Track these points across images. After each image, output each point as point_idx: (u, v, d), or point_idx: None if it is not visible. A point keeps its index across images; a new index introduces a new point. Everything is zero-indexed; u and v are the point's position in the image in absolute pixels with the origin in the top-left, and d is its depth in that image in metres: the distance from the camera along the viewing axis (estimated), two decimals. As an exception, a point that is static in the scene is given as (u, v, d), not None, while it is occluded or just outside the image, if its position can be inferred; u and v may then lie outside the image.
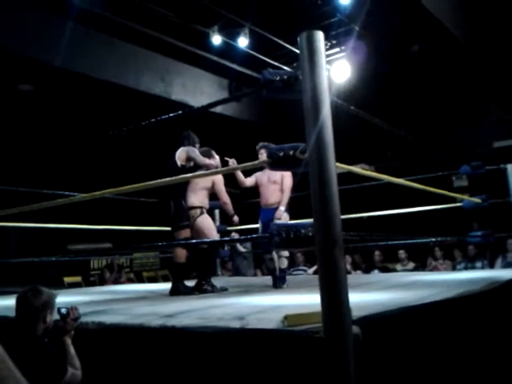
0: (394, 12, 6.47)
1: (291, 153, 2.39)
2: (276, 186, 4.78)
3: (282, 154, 2.42)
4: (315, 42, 2.09)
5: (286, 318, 2.18)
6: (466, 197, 5.69)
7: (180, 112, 3.17)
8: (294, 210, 4.87)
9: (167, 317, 2.59)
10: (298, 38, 2.12)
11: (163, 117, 3.14)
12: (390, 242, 7.01)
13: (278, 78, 2.40)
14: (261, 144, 4.78)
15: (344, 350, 1.83)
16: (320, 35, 2.10)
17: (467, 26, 7.62)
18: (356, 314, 2.11)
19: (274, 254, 4.81)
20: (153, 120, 3.22)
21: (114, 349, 2.72)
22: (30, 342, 2.29)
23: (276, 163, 2.46)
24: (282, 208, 4.70)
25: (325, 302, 1.88)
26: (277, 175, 4.73)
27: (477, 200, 5.49)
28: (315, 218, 1.97)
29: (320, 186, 1.96)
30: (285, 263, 4.79)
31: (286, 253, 4.75)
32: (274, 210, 4.73)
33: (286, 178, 4.76)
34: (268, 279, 5.73)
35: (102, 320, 2.77)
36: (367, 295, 3.24)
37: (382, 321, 2.18)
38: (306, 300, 2.94)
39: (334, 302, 1.86)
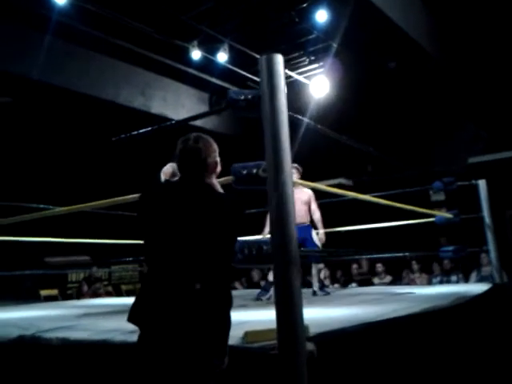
0: (368, 30, 6.61)
1: (254, 171, 2.43)
2: (306, 206, 5.11)
3: (245, 171, 2.46)
4: (275, 64, 2.14)
5: (245, 334, 2.21)
6: (437, 212, 5.78)
7: (156, 126, 3.19)
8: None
9: (130, 333, 2.58)
10: (258, 61, 2.18)
11: (141, 131, 3.15)
12: (364, 256, 7.07)
13: (242, 98, 2.45)
14: (295, 164, 5.00)
15: (297, 367, 1.86)
16: (279, 58, 2.16)
17: (440, 44, 7.80)
18: (314, 330, 2.15)
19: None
20: (131, 133, 3.22)
21: (78, 366, 2.72)
22: (210, 195, 2.03)
23: (239, 181, 2.50)
24: (322, 231, 5.14)
25: (279, 320, 1.91)
26: (305, 196, 5.09)
27: (449, 215, 5.59)
28: (272, 236, 2.01)
29: (277, 205, 2.01)
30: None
31: None
32: (304, 228, 4.98)
33: (314, 199, 5.18)
34: (246, 293, 5.77)
35: (67, 336, 2.76)
36: (334, 310, 3.27)
37: (338, 337, 2.21)
38: (273, 316, 2.96)
39: (289, 319, 1.90)
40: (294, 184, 4.92)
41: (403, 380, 2.54)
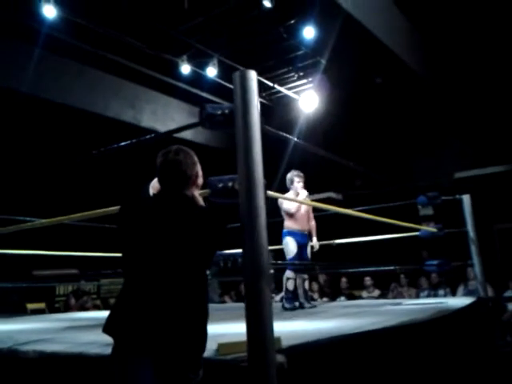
0: (354, 47, 6.71)
1: (230, 184, 2.46)
2: (307, 215, 5.20)
3: (221, 185, 2.49)
4: (248, 80, 2.19)
5: (218, 346, 2.22)
6: (421, 226, 5.81)
7: (135, 140, 3.20)
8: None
9: (107, 345, 2.59)
10: (233, 76, 2.22)
11: (122, 143, 3.15)
12: (350, 270, 7.09)
13: (219, 112, 2.48)
14: (300, 173, 5.16)
15: (267, 378, 1.87)
16: (253, 74, 2.20)
17: (427, 61, 7.92)
18: (286, 343, 2.17)
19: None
20: (115, 145, 3.22)
21: (54, 378, 2.72)
22: (190, 208, 2.04)
23: (215, 194, 2.52)
24: (315, 239, 5.31)
25: (249, 332, 1.93)
26: (307, 206, 5.14)
27: (433, 229, 5.64)
28: (244, 249, 2.04)
29: (248, 219, 2.04)
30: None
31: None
32: (306, 235, 5.13)
33: (311, 208, 5.27)
34: (235, 306, 5.77)
35: (44, 349, 2.76)
36: (313, 323, 3.29)
37: (310, 350, 2.23)
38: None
39: (258, 331, 1.91)
40: (298, 194, 5.06)
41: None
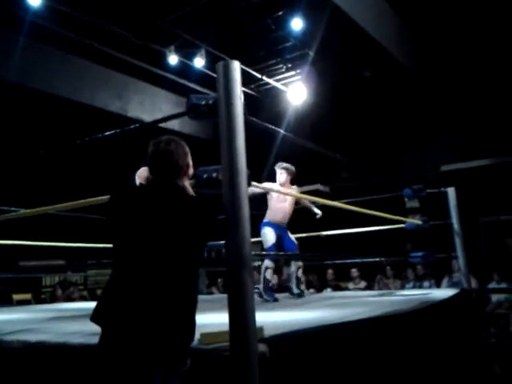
0: (342, 39, 6.71)
1: (214, 175, 2.46)
2: (292, 206, 5.15)
3: (205, 175, 2.49)
4: (231, 70, 2.19)
5: (201, 336, 2.23)
6: (406, 218, 5.86)
7: (119, 130, 3.18)
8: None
9: (90, 335, 2.59)
10: (216, 66, 2.22)
11: (107, 133, 3.13)
12: (337, 261, 7.14)
13: (203, 103, 2.48)
14: (284, 165, 5.09)
15: (249, 367, 1.89)
16: (236, 64, 2.20)
17: (415, 55, 7.94)
18: (269, 332, 2.19)
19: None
20: (99, 135, 3.20)
21: (38, 368, 2.71)
22: (182, 198, 2.05)
23: (200, 185, 2.53)
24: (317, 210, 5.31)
25: (232, 322, 1.95)
26: (293, 198, 5.11)
27: (418, 222, 5.69)
28: (226, 240, 2.04)
29: (231, 209, 2.04)
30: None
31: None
32: (283, 227, 5.07)
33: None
34: (220, 297, 5.79)
35: (28, 339, 2.76)
36: (297, 314, 3.32)
37: (293, 339, 2.25)
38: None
39: (240, 322, 1.93)
40: (284, 185, 5.06)
41: (358, 381, 2.59)
